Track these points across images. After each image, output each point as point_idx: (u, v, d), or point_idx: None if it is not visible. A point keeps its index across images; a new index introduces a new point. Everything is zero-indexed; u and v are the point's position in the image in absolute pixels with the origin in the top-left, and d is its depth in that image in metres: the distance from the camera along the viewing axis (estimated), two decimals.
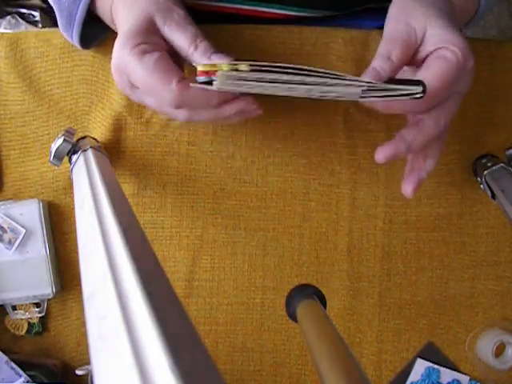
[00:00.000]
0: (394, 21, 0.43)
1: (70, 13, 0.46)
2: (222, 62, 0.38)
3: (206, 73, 0.38)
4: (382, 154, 0.42)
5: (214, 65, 0.38)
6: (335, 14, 0.53)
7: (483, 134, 0.56)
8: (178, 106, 0.40)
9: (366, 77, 0.39)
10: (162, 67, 0.39)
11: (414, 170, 0.46)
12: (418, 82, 0.39)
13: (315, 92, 0.40)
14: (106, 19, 0.47)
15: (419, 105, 0.40)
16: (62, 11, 0.46)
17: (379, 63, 0.40)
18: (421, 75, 0.40)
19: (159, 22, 0.41)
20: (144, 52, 0.39)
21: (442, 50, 0.40)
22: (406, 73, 0.44)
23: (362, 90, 0.39)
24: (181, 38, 0.41)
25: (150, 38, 0.40)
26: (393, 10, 0.44)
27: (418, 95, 0.38)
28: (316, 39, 0.53)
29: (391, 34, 0.42)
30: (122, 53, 0.39)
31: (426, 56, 0.42)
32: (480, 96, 0.56)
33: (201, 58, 0.41)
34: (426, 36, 0.41)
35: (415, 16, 0.41)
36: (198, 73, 0.38)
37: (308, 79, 0.39)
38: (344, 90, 0.39)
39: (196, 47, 0.41)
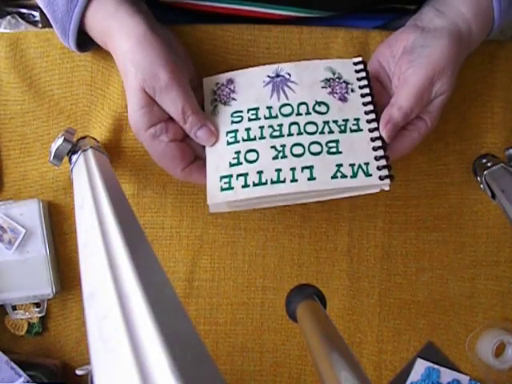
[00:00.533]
0: (428, 75, 0.44)
1: (63, 25, 0.46)
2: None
3: None
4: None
5: None
6: (334, 14, 0.53)
7: (483, 134, 0.56)
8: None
9: (387, 131, 0.44)
10: (170, 155, 0.45)
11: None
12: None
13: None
14: (100, 43, 0.48)
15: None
16: (56, 22, 0.47)
17: (399, 119, 0.44)
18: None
19: (150, 93, 0.43)
20: (154, 137, 0.44)
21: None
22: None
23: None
24: (171, 109, 0.44)
25: (155, 114, 0.44)
26: (432, 57, 0.44)
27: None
28: (316, 39, 0.53)
29: (418, 89, 0.44)
30: (137, 131, 0.45)
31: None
32: (480, 96, 0.56)
33: (189, 132, 0.45)
34: (434, 101, 0.45)
35: (444, 78, 0.44)
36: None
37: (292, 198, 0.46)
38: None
39: (184, 122, 0.44)
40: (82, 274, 0.29)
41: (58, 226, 0.56)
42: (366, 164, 0.43)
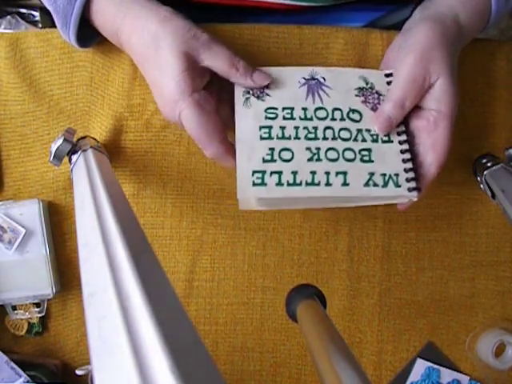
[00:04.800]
0: (414, 62, 0.43)
1: (65, 14, 0.46)
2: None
3: None
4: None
5: None
6: (336, 3, 0.52)
7: (483, 134, 0.56)
8: (211, 156, 0.45)
9: (379, 123, 0.44)
10: (211, 126, 0.43)
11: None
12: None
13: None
14: (107, 35, 0.48)
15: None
16: (57, 13, 0.47)
17: (393, 111, 0.44)
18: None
19: (194, 54, 0.43)
20: (198, 104, 0.43)
21: (434, 114, 0.45)
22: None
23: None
24: (219, 64, 0.44)
25: (198, 80, 0.43)
26: (415, 45, 0.44)
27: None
28: (316, 39, 0.53)
29: (408, 78, 0.43)
30: (178, 98, 0.43)
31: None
32: (480, 96, 0.56)
33: (243, 78, 0.45)
34: (435, 86, 0.44)
35: (435, 61, 0.43)
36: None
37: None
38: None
39: (237, 69, 0.44)
40: (81, 274, 0.28)
41: (58, 225, 0.56)
42: (396, 175, 0.44)
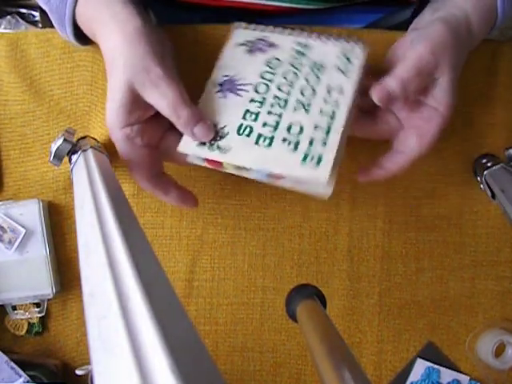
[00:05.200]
0: (426, 51, 0.43)
1: (59, 14, 0.46)
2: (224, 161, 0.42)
3: (214, 162, 0.43)
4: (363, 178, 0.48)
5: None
6: (334, 5, 0.52)
7: (483, 134, 0.56)
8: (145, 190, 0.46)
9: (379, 93, 0.42)
10: (138, 162, 0.44)
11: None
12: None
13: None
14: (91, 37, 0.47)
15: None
16: (52, 13, 0.47)
17: (396, 89, 0.42)
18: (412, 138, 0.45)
19: (139, 88, 0.41)
20: (128, 138, 0.43)
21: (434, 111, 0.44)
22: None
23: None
24: (162, 106, 0.41)
25: (136, 113, 0.42)
26: (429, 38, 0.43)
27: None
28: None
29: (418, 64, 0.43)
30: (111, 128, 0.43)
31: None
32: (480, 96, 0.56)
33: (184, 129, 0.42)
34: (437, 84, 0.44)
35: (444, 56, 0.43)
36: (205, 161, 0.43)
37: None
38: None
39: (178, 117, 0.41)
40: (81, 273, 0.28)
41: (58, 225, 0.56)
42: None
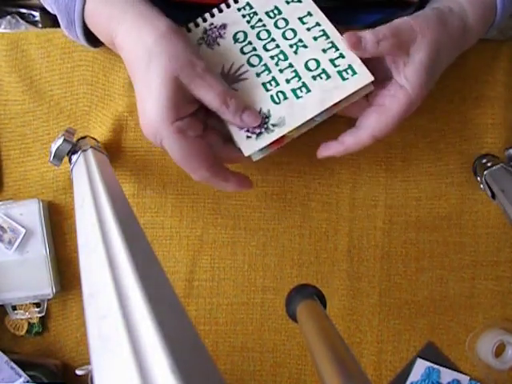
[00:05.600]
0: (408, 21, 0.43)
1: (68, 13, 0.45)
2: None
3: (277, 142, 0.44)
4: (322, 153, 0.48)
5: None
6: (335, 5, 0.52)
7: (483, 134, 0.56)
8: (200, 181, 0.45)
9: (349, 37, 0.43)
10: (196, 152, 0.42)
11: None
12: None
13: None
14: (101, 37, 0.46)
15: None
16: (60, 11, 0.46)
17: (367, 36, 0.43)
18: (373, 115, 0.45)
19: (185, 82, 0.41)
20: (181, 131, 0.41)
21: (401, 89, 0.44)
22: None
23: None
24: (210, 98, 0.42)
25: (184, 108, 0.42)
26: (416, 15, 0.44)
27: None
28: None
29: (397, 27, 0.43)
30: (159, 125, 0.41)
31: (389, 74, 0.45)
32: (480, 96, 0.56)
33: (233, 117, 0.43)
34: (410, 61, 0.43)
35: (425, 37, 0.43)
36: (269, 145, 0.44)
37: None
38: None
39: (227, 106, 0.42)
40: (81, 273, 0.28)
41: (58, 225, 0.56)
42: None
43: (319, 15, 0.47)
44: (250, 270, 0.56)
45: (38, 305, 0.55)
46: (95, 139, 0.53)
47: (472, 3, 0.46)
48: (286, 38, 0.46)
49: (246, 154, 0.44)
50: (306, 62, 0.45)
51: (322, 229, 0.56)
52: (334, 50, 0.45)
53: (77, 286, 0.56)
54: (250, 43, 0.47)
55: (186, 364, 0.19)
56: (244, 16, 0.48)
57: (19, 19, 1.09)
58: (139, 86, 0.42)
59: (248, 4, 0.48)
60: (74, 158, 0.48)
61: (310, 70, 0.45)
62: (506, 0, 0.46)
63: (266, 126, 0.44)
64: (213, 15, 0.48)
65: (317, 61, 0.45)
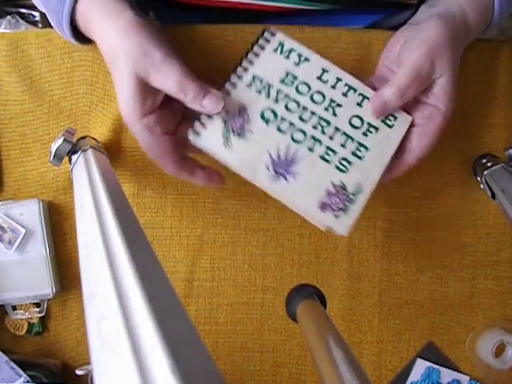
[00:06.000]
0: (422, 55, 0.43)
1: (56, 14, 0.45)
2: None
3: None
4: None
5: None
6: (334, 7, 0.52)
7: (483, 134, 0.56)
8: (171, 175, 0.46)
9: (374, 105, 0.43)
10: (161, 150, 0.44)
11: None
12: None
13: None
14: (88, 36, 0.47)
15: None
16: (50, 12, 0.46)
17: (392, 97, 0.43)
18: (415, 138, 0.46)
19: (144, 75, 0.41)
20: (148, 128, 0.42)
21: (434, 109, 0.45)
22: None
23: None
24: (168, 87, 0.41)
25: (150, 100, 0.42)
26: (426, 39, 0.44)
27: None
28: (318, 39, 0.53)
29: (414, 69, 0.43)
30: (129, 121, 0.43)
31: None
32: (480, 96, 0.56)
33: (193, 103, 0.42)
34: (437, 83, 0.44)
35: (442, 57, 0.43)
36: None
37: None
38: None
39: (185, 94, 0.41)
40: (81, 274, 0.28)
41: (58, 226, 0.56)
42: None
43: (334, 69, 0.45)
44: (249, 270, 0.56)
45: (38, 305, 0.55)
46: (95, 139, 0.53)
47: (471, 3, 0.46)
48: (317, 103, 0.44)
49: (346, 233, 0.42)
50: (349, 120, 0.44)
51: None
52: (366, 100, 0.44)
53: (77, 286, 0.56)
54: (283, 119, 0.43)
55: (186, 364, 0.19)
56: (260, 92, 0.44)
57: (19, 19, 1.09)
58: (114, 82, 0.43)
59: (255, 77, 0.44)
60: (74, 157, 0.48)
61: (358, 128, 0.44)
62: (503, 0, 0.46)
63: (347, 197, 0.42)
64: (234, 85, 0.44)
65: (359, 117, 0.44)
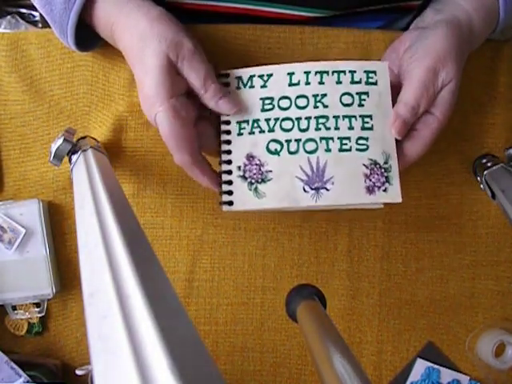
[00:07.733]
0: (430, 67, 0.44)
1: (61, 24, 0.46)
2: None
3: None
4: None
5: None
6: (336, 14, 0.52)
7: (483, 134, 0.56)
8: (178, 163, 0.45)
9: (397, 127, 0.44)
10: (183, 134, 0.44)
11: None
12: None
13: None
14: (103, 35, 0.48)
15: None
16: (54, 22, 0.47)
17: (408, 115, 0.44)
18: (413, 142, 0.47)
19: (175, 60, 0.43)
20: (174, 109, 0.43)
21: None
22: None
23: None
24: (193, 78, 0.44)
25: (179, 83, 0.44)
26: (432, 49, 0.44)
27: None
28: (318, 39, 0.53)
29: (423, 84, 0.44)
30: (156, 101, 0.43)
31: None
32: (480, 96, 0.56)
33: (209, 101, 0.45)
34: (444, 90, 0.45)
35: (447, 68, 0.44)
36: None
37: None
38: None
39: (206, 90, 0.44)
40: (81, 274, 0.28)
41: (58, 226, 0.56)
42: None
43: (298, 65, 0.46)
44: (249, 270, 0.56)
45: (38, 305, 0.55)
46: (95, 139, 0.53)
47: (477, 10, 0.46)
48: (304, 106, 0.46)
49: (400, 199, 0.44)
50: (341, 102, 0.45)
51: (322, 229, 0.56)
52: (342, 74, 0.45)
53: (77, 286, 0.56)
54: (288, 141, 0.45)
55: (186, 364, 0.19)
56: (252, 132, 0.46)
57: (19, 19, 1.09)
58: (137, 70, 0.45)
59: (239, 123, 0.46)
60: (74, 157, 0.48)
61: (352, 104, 0.45)
62: (508, 7, 0.46)
63: (382, 169, 0.44)
64: (229, 142, 0.46)
65: (346, 93, 0.45)
